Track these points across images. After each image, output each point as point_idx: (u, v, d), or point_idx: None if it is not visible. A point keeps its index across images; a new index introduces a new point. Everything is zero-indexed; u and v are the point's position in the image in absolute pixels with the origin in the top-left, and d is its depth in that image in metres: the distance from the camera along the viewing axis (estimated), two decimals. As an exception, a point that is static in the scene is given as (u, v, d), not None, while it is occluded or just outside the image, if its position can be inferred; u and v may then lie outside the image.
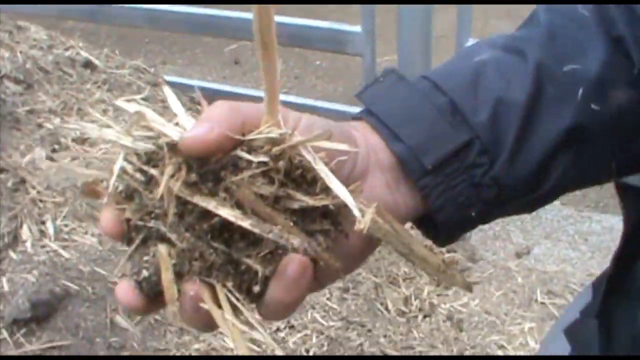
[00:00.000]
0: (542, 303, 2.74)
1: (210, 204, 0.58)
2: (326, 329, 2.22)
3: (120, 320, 1.89)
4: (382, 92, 0.70)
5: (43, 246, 1.95)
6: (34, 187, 2.10)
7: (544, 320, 2.65)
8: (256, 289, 0.60)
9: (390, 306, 2.50)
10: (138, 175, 0.62)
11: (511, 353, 2.52)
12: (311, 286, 0.63)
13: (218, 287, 0.59)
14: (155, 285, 0.60)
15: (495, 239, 3.30)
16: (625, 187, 0.80)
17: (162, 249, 0.60)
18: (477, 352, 2.48)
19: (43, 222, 2.01)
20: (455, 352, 2.45)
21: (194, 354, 1.96)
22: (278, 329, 2.14)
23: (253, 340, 0.61)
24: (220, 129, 0.58)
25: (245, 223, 0.58)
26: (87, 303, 1.87)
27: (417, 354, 2.38)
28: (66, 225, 2.05)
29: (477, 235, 3.28)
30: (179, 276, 0.60)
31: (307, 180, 0.61)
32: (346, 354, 2.22)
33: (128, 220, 0.62)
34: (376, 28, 2.99)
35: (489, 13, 4.78)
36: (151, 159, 0.62)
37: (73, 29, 4.64)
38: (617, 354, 0.79)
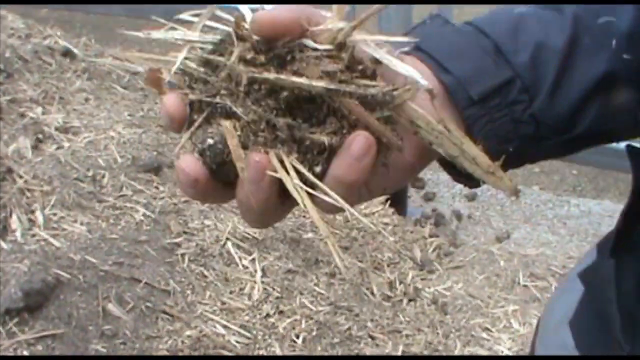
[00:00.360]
0: (525, 286, 2.77)
1: (281, 76, 0.60)
2: (315, 313, 2.23)
3: (113, 308, 1.89)
4: (430, 32, 0.74)
5: (33, 235, 1.94)
6: (20, 177, 2.09)
7: (527, 302, 2.68)
8: (317, 169, 0.61)
9: (375, 291, 2.51)
10: (202, 65, 0.63)
11: (495, 335, 2.55)
12: (369, 183, 0.66)
13: (284, 156, 0.60)
14: (220, 154, 0.61)
15: (476, 224, 3.34)
16: (635, 149, 0.85)
17: (227, 122, 0.60)
18: (462, 334, 2.50)
19: (32, 212, 2.00)
20: (440, 335, 2.48)
21: (185, 341, 1.97)
22: (268, 315, 2.15)
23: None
24: (289, 14, 0.62)
25: (320, 83, 0.60)
26: (78, 291, 1.87)
27: (404, 337, 2.40)
28: (55, 214, 2.04)
29: (458, 220, 3.31)
30: (243, 148, 0.60)
31: (367, 74, 0.63)
32: (335, 339, 2.23)
33: (191, 104, 0.62)
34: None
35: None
36: (216, 50, 0.63)
37: (47, 17, 4.60)
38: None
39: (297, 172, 0.61)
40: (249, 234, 2.33)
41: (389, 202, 2.99)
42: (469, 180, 0.75)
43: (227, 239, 2.27)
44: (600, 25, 0.74)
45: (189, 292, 2.08)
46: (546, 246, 3.12)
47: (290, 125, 0.60)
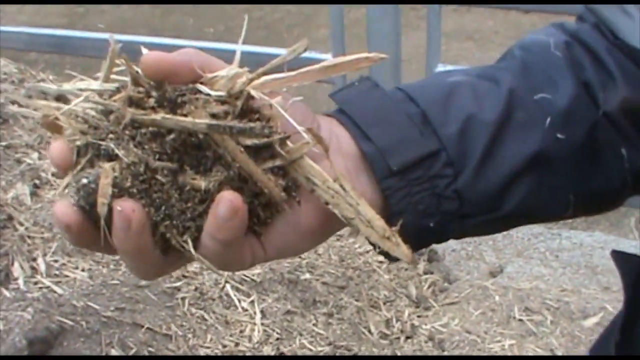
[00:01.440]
0: (520, 320, 2.78)
1: (164, 116, 0.58)
2: (315, 354, 2.24)
3: (116, 354, 1.90)
4: (355, 95, 0.71)
5: (35, 283, 1.95)
6: (21, 224, 2.10)
7: (523, 337, 2.70)
8: (196, 222, 0.59)
9: (373, 329, 2.52)
10: (98, 112, 0.61)
11: (493, 371, 2.56)
12: (259, 248, 0.64)
13: (152, 210, 0.59)
14: (92, 194, 0.58)
15: (469, 259, 3.35)
16: (619, 254, 0.82)
17: (107, 164, 0.58)
18: (460, 371, 2.52)
19: (34, 259, 2.01)
20: (439, 372, 2.49)
21: (188, 385, 1.97)
22: (269, 357, 2.16)
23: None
24: (178, 57, 0.61)
25: (202, 121, 0.57)
26: (82, 338, 1.87)
27: (404, 376, 2.41)
28: (56, 261, 2.05)
29: (451, 256, 3.32)
30: (119, 191, 0.58)
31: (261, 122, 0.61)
32: (336, 379, 2.24)
33: (79, 149, 0.61)
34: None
35: (451, 36, 4.87)
36: (114, 95, 0.62)
37: (37, 60, 4.63)
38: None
39: (167, 226, 0.59)
40: (247, 276, 2.35)
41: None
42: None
43: (226, 281, 2.29)
44: (535, 101, 0.72)
45: (190, 336, 2.09)
46: (539, 279, 3.13)
47: (170, 170, 0.59)
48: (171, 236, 0.60)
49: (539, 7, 3.40)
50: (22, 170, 2.44)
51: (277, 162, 0.62)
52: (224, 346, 2.12)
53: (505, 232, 3.53)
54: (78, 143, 0.60)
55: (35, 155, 2.59)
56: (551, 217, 0.77)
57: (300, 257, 2.61)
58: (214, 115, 0.59)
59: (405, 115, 0.69)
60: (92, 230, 0.60)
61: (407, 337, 2.61)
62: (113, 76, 0.63)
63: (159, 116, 0.58)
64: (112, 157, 0.59)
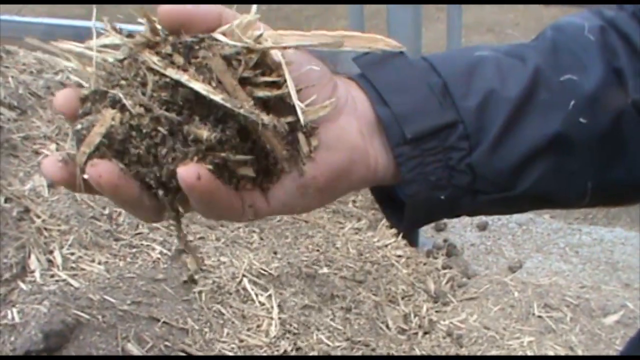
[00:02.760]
0: (540, 316, 2.76)
1: (182, 77, 0.58)
2: (332, 349, 2.22)
3: (132, 348, 1.89)
4: (378, 61, 0.70)
5: (52, 276, 1.94)
6: (38, 216, 2.09)
7: (542, 333, 2.67)
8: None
9: (391, 324, 2.51)
10: (116, 56, 0.61)
11: (512, 368, 2.54)
12: (263, 201, 0.64)
13: (140, 169, 0.59)
14: (80, 141, 0.59)
15: (488, 254, 3.33)
16: None
17: (110, 112, 0.59)
18: (479, 367, 2.50)
19: (51, 252, 2.00)
20: (457, 369, 2.47)
21: (205, 379, 1.96)
22: (286, 352, 2.14)
23: None
24: (195, 7, 0.61)
25: (217, 97, 0.57)
26: (98, 332, 1.86)
27: (421, 372, 2.39)
28: (72, 254, 2.04)
29: (469, 250, 3.31)
30: (108, 144, 0.58)
31: (272, 81, 0.61)
32: (353, 375, 2.23)
33: (86, 96, 0.61)
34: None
35: (471, 28, 4.84)
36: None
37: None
38: None
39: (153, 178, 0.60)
40: (264, 270, 2.33)
41: (401, 234, 2.98)
42: (398, 221, 0.72)
43: (244, 275, 2.27)
44: (561, 82, 0.70)
45: (206, 330, 2.08)
46: (559, 275, 3.11)
47: (175, 121, 0.58)
48: (156, 188, 0.60)
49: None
50: (40, 162, 2.44)
51: (289, 119, 0.61)
52: (241, 340, 2.11)
53: (524, 227, 3.52)
54: (85, 92, 0.61)
55: (53, 146, 2.58)
56: (567, 203, 0.75)
57: (318, 251, 2.60)
58: (227, 60, 0.58)
59: (425, 84, 0.69)
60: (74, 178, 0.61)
61: (425, 333, 2.59)
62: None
63: (177, 74, 0.58)
64: (116, 104, 0.59)
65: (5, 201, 2.08)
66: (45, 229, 2.07)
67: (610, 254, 3.29)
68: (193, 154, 0.58)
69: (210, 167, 0.59)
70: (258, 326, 2.17)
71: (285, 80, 0.60)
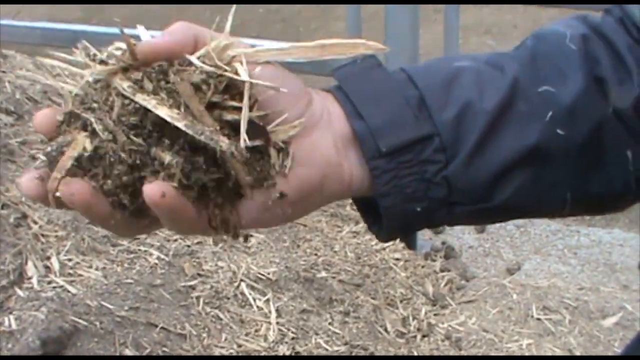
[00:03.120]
0: (538, 319, 2.75)
1: (149, 103, 0.59)
2: (331, 354, 2.22)
3: (130, 353, 1.89)
4: (355, 72, 0.70)
5: (49, 282, 1.94)
6: (35, 222, 2.09)
7: (541, 336, 2.67)
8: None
9: (389, 328, 2.51)
10: (90, 85, 0.63)
11: (511, 370, 2.54)
12: (236, 218, 0.64)
13: (110, 186, 0.60)
14: (52, 163, 0.61)
15: (486, 256, 3.32)
16: None
17: (81, 135, 0.60)
18: (477, 370, 2.50)
19: (48, 258, 2.00)
20: (456, 372, 2.47)
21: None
22: (284, 356, 2.14)
23: None
24: (171, 37, 0.62)
25: (180, 123, 0.58)
26: (95, 338, 1.86)
27: (420, 376, 2.39)
28: (70, 260, 2.04)
29: (467, 253, 3.30)
30: (78, 170, 0.60)
31: (238, 100, 0.61)
32: (351, 379, 2.23)
33: (63, 119, 0.63)
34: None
35: (469, 30, 4.84)
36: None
37: (53, 55, 4.61)
38: None
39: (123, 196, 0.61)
40: (262, 274, 2.33)
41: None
42: (379, 230, 0.73)
43: (241, 280, 2.27)
44: (539, 93, 0.70)
45: (204, 335, 2.08)
46: (557, 277, 3.10)
47: (141, 146, 0.60)
48: (128, 204, 0.61)
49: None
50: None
51: (257, 142, 0.62)
52: (239, 345, 2.10)
53: (522, 229, 3.52)
54: (59, 117, 0.63)
55: (50, 151, 2.58)
56: (546, 213, 0.76)
57: (316, 255, 2.60)
58: (196, 85, 0.59)
59: (402, 97, 0.68)
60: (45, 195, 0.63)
61: (424, 336, 2.59)
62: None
63: (144, 100, 0.59)
64: (86, 127, 0.61)
65: (2, 207, 2.08)
66: (43, 235, 2.07)
67: (608, 256, 3.29)
68: (159, 174, 0.60)
69: (175, 184, 0.60)
70: (256, 331, 2.17)
71: (255, 101, 0.62)
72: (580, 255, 3.32)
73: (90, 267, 2.05)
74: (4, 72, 3.00)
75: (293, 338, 2.20)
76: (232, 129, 0.61)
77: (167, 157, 0.59)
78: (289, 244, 2.59)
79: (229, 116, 0.60)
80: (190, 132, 0.58)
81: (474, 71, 0.71)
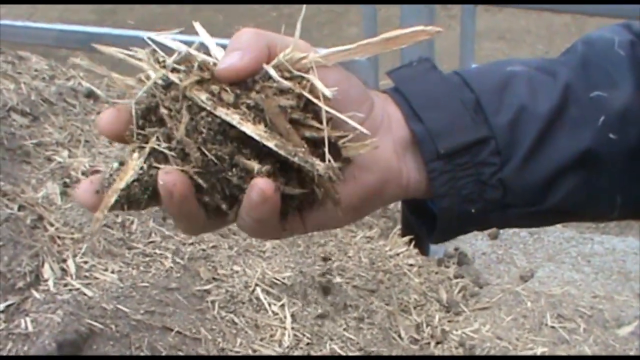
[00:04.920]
0: (553, 327, 2.74)
1: (233, 118, 0.59)
2: (345, 360, 2.21)
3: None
4: (412, 75, 0.72)
5: (65, 285, 1.94)
6: (52, 224, 2.09)
7: (555, 344, 2.66)
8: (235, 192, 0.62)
9: (403, 334, 2.49)
10: (159, 87, 0.63)
11: (525, 379, 2.53)
12: (299, 223, 0.67)
13: (200, 182, 0.61)
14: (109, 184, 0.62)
15: (499, 262, 3.31)
16: None
17: (134, 158, 0.61)
18: (491, 378, 2.48)
19: (64, 260, 1.99)
20: (470, 380, 2.46)
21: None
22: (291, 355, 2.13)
23: None
24: (250, 55, 0.62)
25: (270, 143, 0.59)
26: (111, 342, 1.85)
27: (434, 383, 2.38)
28: (86, 262, 2.04)
29: (481, 259, 3.29)
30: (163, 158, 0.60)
31: (319, 117, 0.62)
32: (366, 385, 2.22)
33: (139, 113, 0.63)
34: (379, 56, 3.00)
35: (482, 36, 4.82)
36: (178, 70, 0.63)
37: (67, 57, 4.62)
38: None
39: (212, 194, 0.62)
40: (277, 279, 2.32)
41: (413, 242, 2.97)
42: (429, 232, 0.75)
43: (257, 284, 2.26)
44: (591, 98, 0.71)
45: (219, 339, 2.07)
46: (571, 285, 3.09)
47: (224, 154, 0.60)
48: (215, 203, 0.63)
49: (573, 8, 3.35)
50: (53, 169, 2.43)
51: (339, 164, 0.63)
52: (254, 350, 2.10)
53: (536, 236, 3.50)
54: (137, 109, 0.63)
55: (65, 153, 2.58)
56: (596, 217, 0.77)
57: (330, 260, 2.59)
58: (282, 109, 0.60)
59: (459, 100, 0.70)
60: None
61: (438, 343, 2.58)
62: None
63: (227, 115, 0.59)
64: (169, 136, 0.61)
65: (19, 209, 2.08)
66: (59, 237, 2.07)
67: (622, 264, 3.27)
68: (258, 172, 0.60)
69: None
70: (271, 336, 2.16)
71: (329, 120, 0.62)
72: (593, 263, 3.30)
73: (106, 270, 2.04)
74: (19, 73, 3.01)
75: (308, 343, 2.19)
76: (310, 145, 0.61)
77: (255, 166, 0.59)
78: (303, 249, 2.58)
79: (308, 133, 0.61)
80: (282, 153, 0.59)
81: (526, 76, 0.72)
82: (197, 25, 0.69)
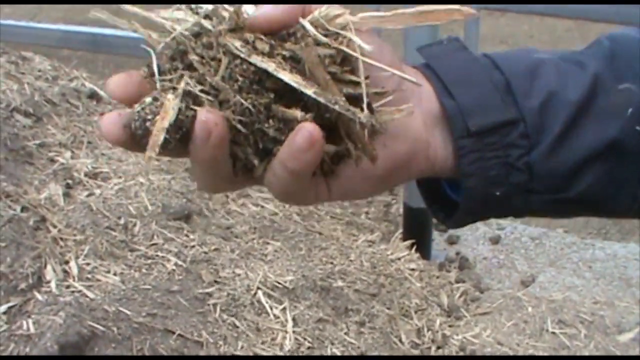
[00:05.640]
0: (553, 333, 2.74)
1: (269, 66, 0.57)
2: (346, 364, 2.21)
3: (147, 360, 1.88)
4: (443, 52, 0.72)
5: (68, 286, 1.94)
6: (54, 226, 2.09)
7: (556, 350, 2.66)
8: (269, 146, 0.60)
9: (404, 338, 2.50)
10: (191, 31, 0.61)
11: (525, 384, 2.53)
12: (325, 189, 0.66)
13: (234, 131, 0.59)
14: (145, 125, 0.58)
15: (500, 267, 3.31)
16: None
17: (172, 98, 0.58)
18: (492, 383, 2.48)
19: (66, 262, 2.00)
20: (470, 384, 2.46)
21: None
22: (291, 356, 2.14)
23: None
24: (284, 7, 0.61)
25: (309, 91, 0.57)
26: (113, 344, 1.86)
27: (435, 388, 2.38)
28: (88, 264, 2.04)
29: (482, 264, 3.29)
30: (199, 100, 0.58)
31: (356, 73, 0.61)
32: (366, 390, 2.22)
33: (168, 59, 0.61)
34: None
35: (485, 40, 4.82)
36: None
37: (70, 57, 4.63)
38: None
39: (244, 145, 0.60)
40: (279, 283, 2.33)
41: (414, 247, 2.98)
42: (446, 217, 0.75)
43: (258, 288, 2.27)
44: (619, 90, 0.72)
45: (221, 343, 2.07)
46: (572, 290, 3.09)
47: (263, 103, 0.58)
48: (245, 155, 0.60)
49: (576, 13, 3.36)
50: (55, 170, 2.44)
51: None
52: (255, 354, 2.10)
53: (537, 241, 3.50)
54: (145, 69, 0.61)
55: (68, 154, 2.58)
56: (616, 209, 0.76)
57: (332, 264, 2.59)
58: (321, 61, 0.58)
59: (489, 80, 0.70)
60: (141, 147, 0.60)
61: (438, 347, 2.58)
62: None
63: (263, 63, 0.57)
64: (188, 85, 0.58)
65: (22, 210, 2.08)
66: (61, 238, 2.07)
67: (624, 270, 3.27)
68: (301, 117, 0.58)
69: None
70: (272, 339, 2.16)
71: (365, 77, 0.61)
72: (595, 268, 3.30)
73: (108, 272, 2.05)
74: (22, 73, 3.01)
75: (309, 347, 2.19)
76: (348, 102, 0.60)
77: (298, 113, 0.58)
78: (304, 252, 2.58)
79: (345, 89, 0.60)
80: (322, 100, 0.57)
81: (554, 64, 0.73)
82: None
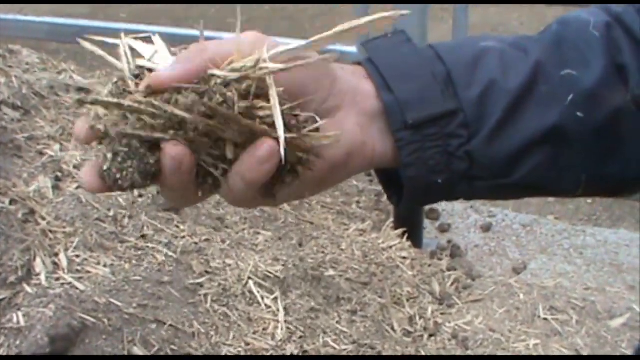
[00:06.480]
0: (545, 319, 2.75)
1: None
2: (339, 352, 2.21)
3: (138, 351, 1.88)
4: (386, 46, 0.73)
5: (57, 279, 1.93)
6: (43, 218, 2.08)
7: (548, 336, 2.66)
8: (229, 154, 0.63)
9: (396, 327, 2.50)
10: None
11: (518, 370, 2.53)
12: (270, 191, 0.68)
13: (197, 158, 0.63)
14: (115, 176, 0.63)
15: (492, 255, 3.32)
16: None
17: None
18: (484, 370, 2.49)
19: (56, 254, 1.99)
20: (463, 371, 2.46)
21: (210, 383, 1.95)
22: (292, 355, 2.13)
23: None
24: (183, 66, 0.63)
25: (227, 133, 0.62)
26: (104, 335, 1.85)
27: (427, 375, 2.38)
28: (78, 256, 2.03)
29: (473, 252, 3.29)
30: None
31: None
32: (359, 378, 2.22)
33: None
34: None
35: (476, 28, 4.81)
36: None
37: (58, 50, 4.61)
38: None
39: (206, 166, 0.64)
40: (270, 272, 2.32)
41: (406, 235, 2.98)
42: (399, 200, 0.76)
43: (249, 278, 2.26)
44: (561, 76, 0.73)
45: (212, 333, 2.07)
46: (564, 277, 3.09)
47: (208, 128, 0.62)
48: (209, 175, 0.64)
49: None
50: (44, 163, 2.43)
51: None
52: (247, 344, 2.10)
53: (528, 228, 3.50)
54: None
55: (57, 147, 2.57)
56: (560, 193, 0.78)
57: (323, 253, 2.59)
58: (226, 97, 0.62)
59: (430, 72, 0.71)
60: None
61: (431, 335, 2.58)
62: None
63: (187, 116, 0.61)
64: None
65: (10, 203, 2.07)
66: (51, 231, 2.06)
67: (615, 256, 3.28)
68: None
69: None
70: (264, 329, 2.16)
71: (283, 103, 0.63)
72: (586, 255, 3.31)
73: (98, 263, 2.04)
74: (10, 66, 2.99)
75: (301, 337, 2.19)
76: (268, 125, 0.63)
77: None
78: (295, 242, 2.58)
79: (261, 112, 0.62)
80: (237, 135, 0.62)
81: (499, 52, 0.74)
82: (156, 38, 0.70)
